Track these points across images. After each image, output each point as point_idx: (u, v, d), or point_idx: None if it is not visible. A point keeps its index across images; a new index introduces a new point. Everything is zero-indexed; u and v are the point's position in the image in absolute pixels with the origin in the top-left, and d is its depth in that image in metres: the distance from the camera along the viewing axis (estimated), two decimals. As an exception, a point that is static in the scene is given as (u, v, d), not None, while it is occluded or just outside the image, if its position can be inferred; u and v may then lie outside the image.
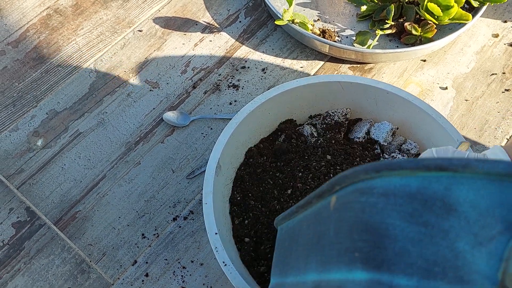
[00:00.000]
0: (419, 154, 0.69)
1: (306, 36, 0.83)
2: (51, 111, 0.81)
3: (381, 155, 0.69)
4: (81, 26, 0.90)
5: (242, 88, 0.83)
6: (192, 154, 0.77)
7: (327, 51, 0.84)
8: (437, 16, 0.80)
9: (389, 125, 0.70)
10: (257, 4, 0.93)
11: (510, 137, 0.77)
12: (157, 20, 0.91)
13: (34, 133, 0.79)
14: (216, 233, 0.57)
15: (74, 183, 0.75)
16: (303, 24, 0.83)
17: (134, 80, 0.84)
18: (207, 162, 0.65)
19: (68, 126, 0.80)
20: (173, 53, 0.87)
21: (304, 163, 0.67)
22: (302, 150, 0.69)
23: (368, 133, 0.71)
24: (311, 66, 0.86)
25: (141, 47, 0.88)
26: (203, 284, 0.66)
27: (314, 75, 0.85)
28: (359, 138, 0.70)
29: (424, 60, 0.86)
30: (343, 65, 0.86)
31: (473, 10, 0.85)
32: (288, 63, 0.86)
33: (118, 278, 0.67)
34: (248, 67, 0.85)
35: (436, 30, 0.81)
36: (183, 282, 0.67)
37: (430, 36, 0.82)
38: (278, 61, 0.86)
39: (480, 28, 0.89)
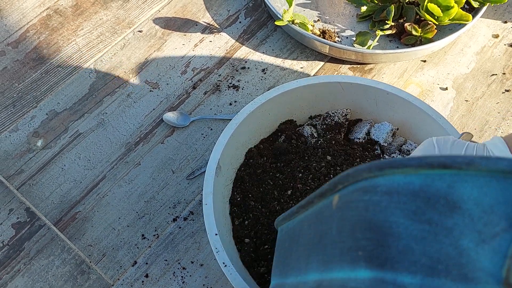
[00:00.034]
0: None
1: (306, 37, 0.83)
2: (51, 111, 0.81)
3: (381, 155, 0.69)
4: (81, 27, 0.90)
5: (242, 89, 0.83)
6: (192, 155, 0.77)
7: (327, 52, 0.84)
8: (437, 17, 0.80)
9: (389, 126, 0.70)
10: (257, 4, 0.93)
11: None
12: (157, 21, 0.91)
13: (34, 134, 0.79)
14: (216, 234, 0.57)
15: (74, 183, 0.74)
16: (303, 25, 0.83)
17: (134, 80, 0.84)
18: (207, 162, 0.65)
19: (68, 126, 0.80)
20: (173, 53, 0.87)
21: (304, 164, 0.67)
22: (302, 150, 0.69)
23: (368, 133, 0.71)
24: (311, 67, 0.86)
25: (141, 48, 0.88)
26: (203, 285, 0.66)
27: (314, 75, 0.85)
28: (359, 138, 0.70)
29: (424, 61, 0.86)
30: (343, 65, 0.86)
31: (473, 11, 0.85)
32: (288, 63, 0.86)
33: (118, 279, 0.67)
34: (248, 68, 0.85)
35: (436, 30, 0.81)
36: (183, 283, 0.66)
37: (430, 37, 0.82)
38: (278, 61, 0.86)
39: (480, 29, 0.89)
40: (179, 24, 0.91)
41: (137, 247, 0.69)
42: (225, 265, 0.55)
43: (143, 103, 0.82)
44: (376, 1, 0.86)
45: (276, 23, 0.82)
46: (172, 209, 0.72)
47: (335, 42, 0.85)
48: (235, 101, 0.82)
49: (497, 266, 0.22)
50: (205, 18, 0.92)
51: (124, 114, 0.81)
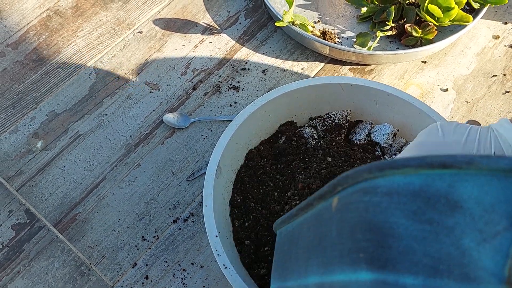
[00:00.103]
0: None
1: (306, 38, 0.82)
2: (51, 112, 0.81)
3: (381, 157, 0.69)
4: (81, 28, 0.90)
5: (242, 90, 0.83)
6: (192, 156, 0.77)
7: (327, 53, 0.84)
8: (437, 18, 0.80)
9: (389, 127, 0.70)
10: (257, 5, 0.93)
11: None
12: (157, 22, 0.91)
13: (33, 135, 0.79)
14: (216, 236, 0.57)
15: (74, 185, 0.74)
16: (303, 26, 0.83)
17: (134, 81, 0.84)
18: (207, 164, 0.65)
19: (68, 128, 0.79)
20: (173, 54, 0.87)
21: (305, 165, 0.67)
22: (303, 152, 0.69)
23: (368, 135, 0.71)
24: (312, 68, 0.86)
25: (141, 49, 0.88)
26: (203, 286, 0.66)
27: (314, 76, 0.85)
28: (359, 140, 0.70)
29: (425, 62, 0.86)
30: (344, 66, 0.86)
31: (473, 12, 0.85)
32: (288, 64, 0.86)
33: (118, 281, 0.67)
34: (248, 69, 0.85)
35: (436, 31, 0.81)
36: (183, 284, 0.66)
37: (431, 38, 0.82)
38: (278, 62, 0.86)
39: (480, 30, 0.89)
40: (179, 25, 0.91)
41: (137, 249, 0.69)
42: (226, 267, 0.55)
43: (143, 104, 0.82)
44: (376, 2, 0.86)
45: (276, 24, 0.82)
46: (172, 210, 0.72)
47: (335, 43, 0.85)
48: (235, 102, 0.82)
49: (499, 265, 0.22)
50: (205, 19, 0.92)
51: (124, 115, 0.81)
